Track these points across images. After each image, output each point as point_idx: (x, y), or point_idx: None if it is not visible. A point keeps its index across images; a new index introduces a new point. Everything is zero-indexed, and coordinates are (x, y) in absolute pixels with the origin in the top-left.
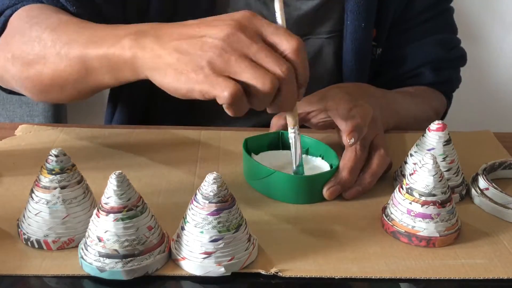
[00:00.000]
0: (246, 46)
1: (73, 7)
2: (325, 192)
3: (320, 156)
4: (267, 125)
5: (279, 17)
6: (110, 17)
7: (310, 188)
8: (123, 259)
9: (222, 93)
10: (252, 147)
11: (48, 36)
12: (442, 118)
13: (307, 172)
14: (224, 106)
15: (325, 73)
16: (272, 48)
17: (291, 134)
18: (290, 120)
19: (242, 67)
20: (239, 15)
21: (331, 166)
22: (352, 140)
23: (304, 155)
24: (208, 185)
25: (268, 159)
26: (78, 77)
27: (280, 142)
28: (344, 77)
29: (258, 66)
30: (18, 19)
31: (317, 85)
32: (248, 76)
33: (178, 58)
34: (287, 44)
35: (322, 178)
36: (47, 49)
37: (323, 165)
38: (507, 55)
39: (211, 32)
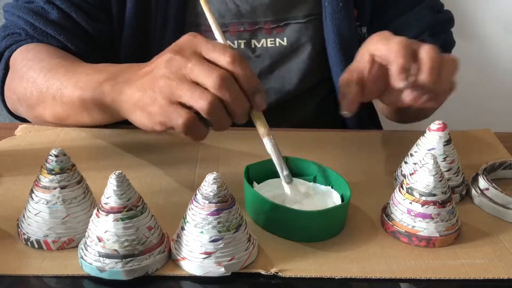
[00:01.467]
0: (183, 67)
1: (61, 36)
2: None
3: (329, 185)
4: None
5: (216, 34)
6: (98, 39)
7: (321, 224)
8: (123, 259)
9: (176, 122)
10: (254, 175)
11: (42, 82)
12: None
13: (315, 202)
14: (183, 134)
15: (307, 58)
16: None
17: (267, 145)
18: (260, 130)
19: (182, 90)
20: (181, 40)
21: (342, 197)
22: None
23: (311, 183)
24: (208, 185)
25: (273, 188)
26: (74, 116)
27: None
28: (329, 60)
29: (195, 87)
30: (16, 61)
31: (300, 70)
32: (187, 99)
33: (139, 97)
34: (223, 59)
35: (335, 213)
36: (43, 95)
37: (332, 195)
38: (507, 55)
39: (157, 63)
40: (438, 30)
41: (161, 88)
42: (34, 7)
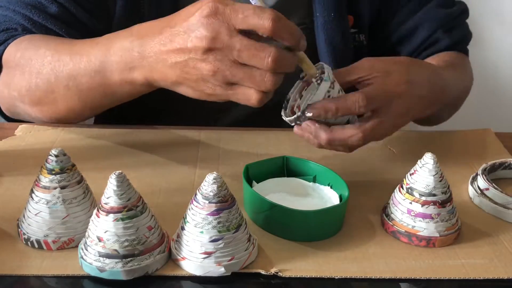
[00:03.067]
0: (229, 54)
1: (61, 30)
2: (295, 129)
3: (328, 185)
4: (248, 119)
5: None
6: (94, 29)
7: (318, 224)
8: (123, 259)
9: (247, 102)
10: (253, 175)
11: (48, 71)
12: None
13: (314, 201)
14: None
15: (297, 68)
16: (250, 36)
17: (320, 82)
18: (309, 73)
19: (239, 77)
20: (206, 12)
21: (340, 197)
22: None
23: (311, 183)
24: (208, 185)
25: (272, 187)
26: (94, 104)
27: (285, 169)
28: None
29: (250, 70)
30: (11, 54)
31: (290, 81)
32: (248, 84)
33: (184, 77)
34: (261, 26)
35: (332, 213)
36: (52, 85)
37: (331, 195)
38: (507, 55)
39: (193, 43)
40: (453, 25)
41: (213, 79)
42: (31, 1)
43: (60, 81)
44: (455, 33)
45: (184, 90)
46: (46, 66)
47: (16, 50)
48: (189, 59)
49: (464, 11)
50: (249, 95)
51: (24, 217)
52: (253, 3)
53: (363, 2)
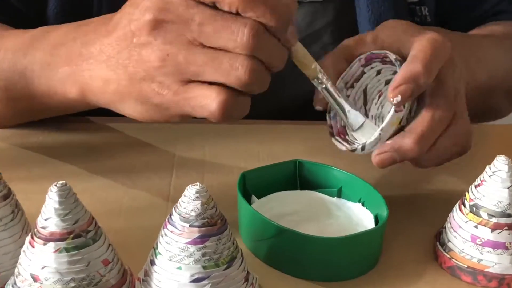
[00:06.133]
0: (185, 30)
1: None
2: (374, 157)
3: (359, 201)
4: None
5: None
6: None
7: (347, 256)
8: None
9: (208, 111)
10: (253, 186)
11: None
12: None
13: (340, 224)
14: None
15: (321, 51)
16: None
17: (318, 87)
18: (307, 73)
19: (199, 65)
20: None
21: (375, 219)
22: (398, 99)
23: (335, 198)
24: (189, 202)
25: (279, 205)
26: (20, 117)
27: (297, 178)
28: None
29: (216, 54)
30: None
31: None
32: (212, 75)
33: (126, 84)
34: None
35: (366, 240)
36: None
37: (363, 216)
38: None
39: (136, 29)
40: None
41: (162, 73)
42: None
43: None
44: None
45: (128, 107)
46: None
47: None
48: (132, 47)
49: None
50: (208, 97)
51: None
52: None
53: None
